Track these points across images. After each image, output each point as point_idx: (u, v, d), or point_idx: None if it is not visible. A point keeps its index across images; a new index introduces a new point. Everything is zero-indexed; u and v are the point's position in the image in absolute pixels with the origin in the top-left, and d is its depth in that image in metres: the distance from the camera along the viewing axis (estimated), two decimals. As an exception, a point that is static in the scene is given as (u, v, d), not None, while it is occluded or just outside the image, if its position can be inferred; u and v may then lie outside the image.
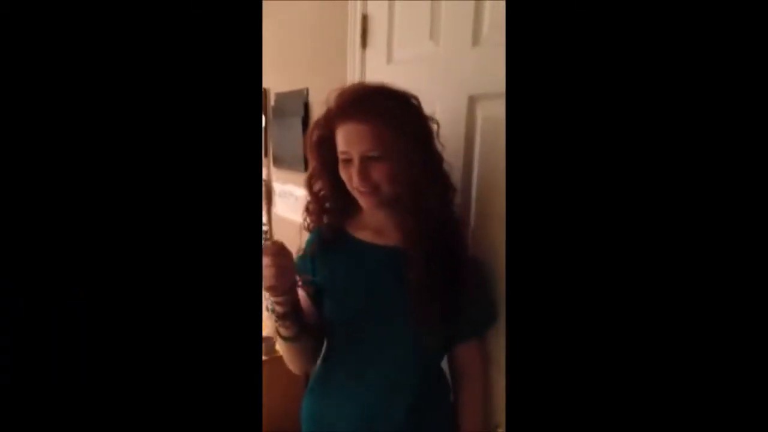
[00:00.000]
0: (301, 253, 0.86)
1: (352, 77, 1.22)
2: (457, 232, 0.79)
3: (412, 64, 1.03)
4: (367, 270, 0.79)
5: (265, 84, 1.74)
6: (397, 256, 0.75)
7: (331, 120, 0.73)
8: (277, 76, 1.68)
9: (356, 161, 0.70)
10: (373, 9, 1.16)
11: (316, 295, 0.82)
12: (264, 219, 1.75)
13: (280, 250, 0.69)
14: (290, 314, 0.73)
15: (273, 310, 0.73)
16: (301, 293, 0.80)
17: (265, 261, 0.67)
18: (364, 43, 1.19)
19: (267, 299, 0.73)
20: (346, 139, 0.71)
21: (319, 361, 0.87)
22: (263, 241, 0.75)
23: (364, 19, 1.18)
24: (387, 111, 0.69)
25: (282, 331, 0.75)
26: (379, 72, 1.15)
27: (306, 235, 0.89)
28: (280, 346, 0.80)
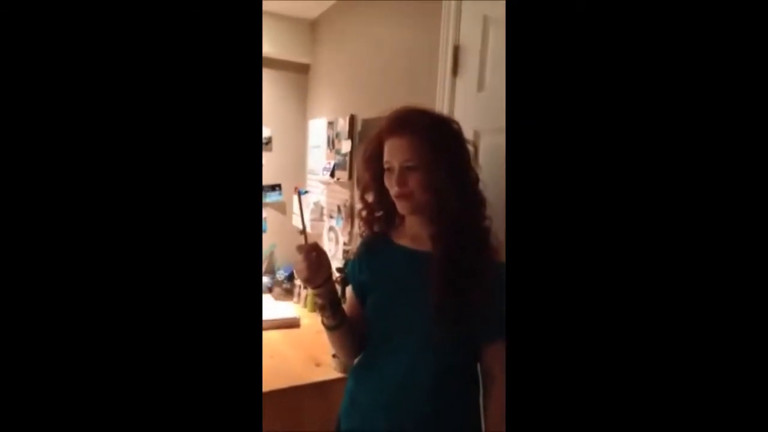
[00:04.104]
0: (353, 257, 1.01)
1: (441, 104, 1.25)
2: (484, 241, 0.86)
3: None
4: (400, 271, 0.90)
5: (353, 110, 1.83)
6: (428, 259, 0.84)
7: (380, 136, 0.86)
8: (365, 103, 1.76)
9: (396, 170, 0.83)
10: (465, 37, 1.19)
11: (362, 294, 0.95)
12: (345, 239, 1.81)
13: (312, 248, 0.81)
14: (329, 305, 0.86)
15: (316, 303, 0.88)
16: (349, 293, 0.98)
17: (299, 257, 0.80)
18: (455, 71, 1.22)
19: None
20: (390, 151, 0.84)
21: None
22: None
23: (456, 49, 1.21)
24: (425, 129, 0.82)
25: (325, 321, 0.88)
26: (469, 99, 1.17)
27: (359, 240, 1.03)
28: (327, 336, 0.92)
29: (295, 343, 1.72)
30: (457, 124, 0.88)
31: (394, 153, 0.83)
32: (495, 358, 0.87)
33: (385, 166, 0.85)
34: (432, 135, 0.81)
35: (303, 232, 0.84)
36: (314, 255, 0.81)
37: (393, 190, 0.84)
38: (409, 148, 0.81)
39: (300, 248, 0.81)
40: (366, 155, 0.91)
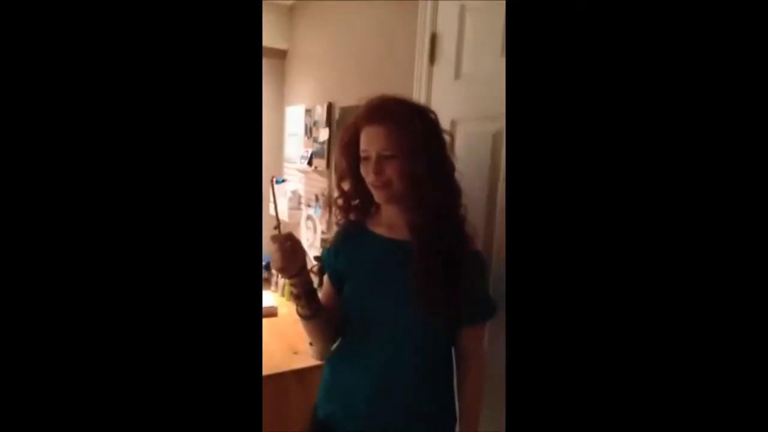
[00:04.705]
0: (327, 246, 1.01)
1: (418, 92, 1.25)
2: (460, 229, 0.87)
3: (483, 79, 1.05)
4: (379, 260, 0.90)
5: (331, 98, 1.81)
6: (405, 247, 0.85)
7: (357, 125, 0.86)
8: (343, 91, 1.75)
9: (373, 159, 0.83)
10: (442, 25, 1.19)
11: (338, 283, 0.95)
12: (323, 227, 1.81)
13: (287, 237, 0.81)
14: (304, 295, 0.85)
15: (292, 292, 0.87)
16: (325, 282, 0.98)
17: (274, 246, 0.80)
18: (432, 59, 1.22)
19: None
20: (367, 140, 0.84)
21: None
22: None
23: (433, 37, 1.21)
24: (402, 118, 0.82)
25: (299, 310, 0.88)
26: (446, 87, 1.18)
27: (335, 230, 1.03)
28: (302, 325, 0.92)
29: (273, 332, 1.72)
30: (434, 113, 0.89)
31: (371, 141, 0.83)
32: (471, 341, 0.90)
33: (362, 154, 0.85)
34: (409, 124, 0.81)
35: (277, 221, 0.84)
36: (288, 245, 0.81)
37: (369, 178, 0.85)
38: (386, 137, 0.81)
39: (274, 238, 0.81)
40: (342, 143, 0.91)
